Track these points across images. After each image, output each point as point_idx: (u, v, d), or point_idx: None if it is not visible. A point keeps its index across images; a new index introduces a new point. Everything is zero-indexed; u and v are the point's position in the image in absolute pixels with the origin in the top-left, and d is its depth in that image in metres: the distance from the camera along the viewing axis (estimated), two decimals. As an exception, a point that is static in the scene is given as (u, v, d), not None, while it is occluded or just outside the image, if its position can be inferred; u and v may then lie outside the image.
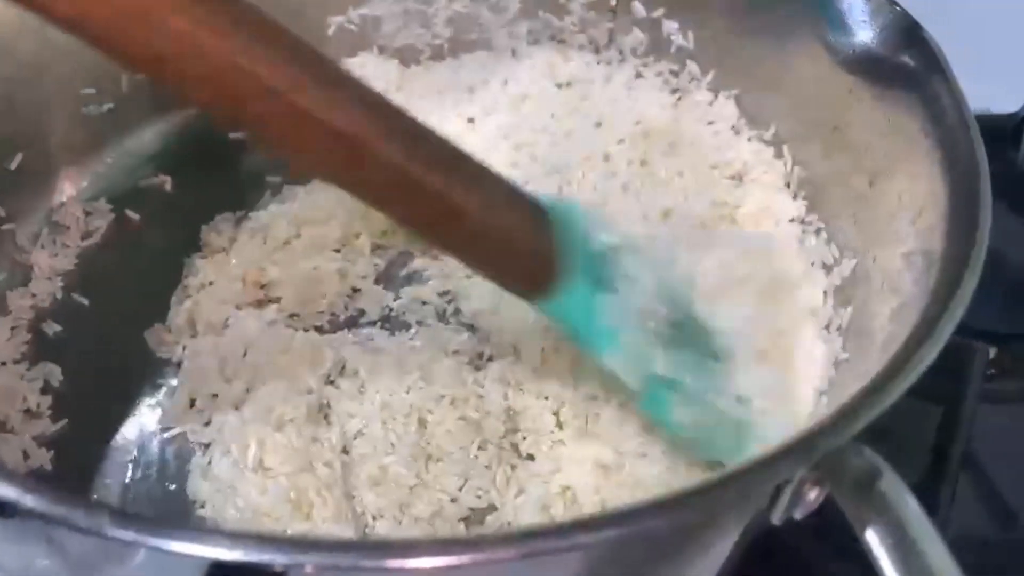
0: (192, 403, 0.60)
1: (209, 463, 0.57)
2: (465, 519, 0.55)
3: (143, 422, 0.60)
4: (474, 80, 0.76)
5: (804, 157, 0.66)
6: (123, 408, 0.60)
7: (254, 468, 0.55)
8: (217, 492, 0.55)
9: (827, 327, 0.60)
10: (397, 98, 0.47)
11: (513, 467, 0.57)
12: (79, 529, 0.35)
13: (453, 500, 0.55)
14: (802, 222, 0.64)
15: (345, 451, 0.57)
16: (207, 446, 0.58)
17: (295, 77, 0.40)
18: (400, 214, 0.47)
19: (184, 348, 0.63)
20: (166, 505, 0.56)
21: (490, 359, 0.61)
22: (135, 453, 0.59)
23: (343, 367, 0.61)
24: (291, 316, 0.65)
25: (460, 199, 0.44)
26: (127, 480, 0.57)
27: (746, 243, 0.60)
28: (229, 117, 0.42)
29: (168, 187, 0.71)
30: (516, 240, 0.47)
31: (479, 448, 0.57)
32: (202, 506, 0.56)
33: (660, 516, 0.36)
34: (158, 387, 0.62)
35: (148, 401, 0.61)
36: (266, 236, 0.67)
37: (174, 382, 0.62)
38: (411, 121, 0.44)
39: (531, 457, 0.58)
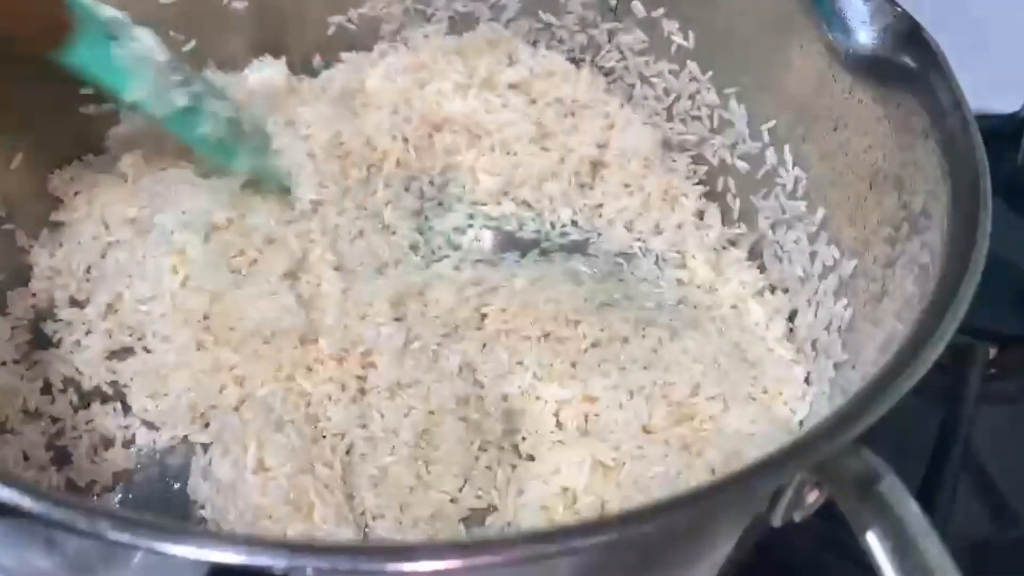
0: (192, 404, 0.60)
1: (209, 463, 0.57)
2: (465, 519, 0.55)
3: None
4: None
5: (804, 157, 0.65)
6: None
7: (254, 469, 0.55)
8: (217, 492, 0.55)
9: (827, 328, 0.60)
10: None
11: (513, 467, 0.57)
12: (79, 532, 0.35)
13: (453, 500, 0.55)
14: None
15: (345, 451, 0.57)
16: (207, 446, 0.58)
17: None
18: None
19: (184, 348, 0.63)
20: (167, 505, 0.56)
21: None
22: (136, 453, 0.59)
23: (343, 368, 0.61)
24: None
25: None
26: (127, 480, 0.57)
27: None
28: None
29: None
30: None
31: (479, 449, 0.57)
32: (202, 506, 0.56)
33: (659, 519, 0.36)
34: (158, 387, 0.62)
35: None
36: None
37: (174, 382, 0.61)
38: None
39: (531, 458, 0.58)
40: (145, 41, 0.63)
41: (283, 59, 0.74)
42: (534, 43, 0.78)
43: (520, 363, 0.60)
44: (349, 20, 0.77)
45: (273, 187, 0.68)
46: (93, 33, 0.60)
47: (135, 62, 0.62)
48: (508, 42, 0.76)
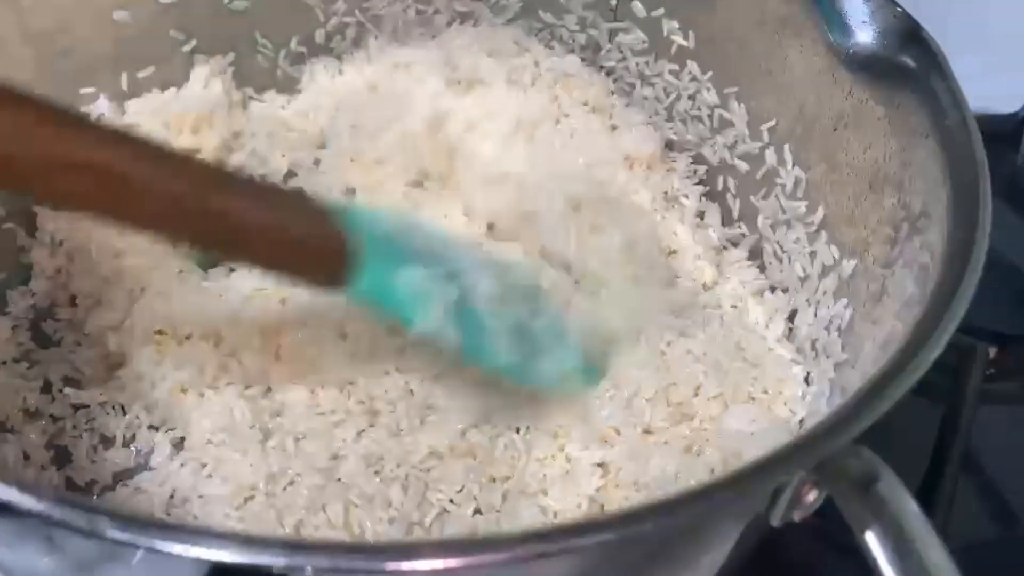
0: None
1: (206, 465, 0.57)
2: (464, 520, 0.55)
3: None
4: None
5: (804, 157, 0.66)
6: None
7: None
8: (217, 492, 0.55)
9: (827, 327, 0.60)
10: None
11: (513, 467, 0.57)
12: (79, 531, 0.35)
13: (452, 501, 0.55)
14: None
15: (344, 453, 0.57)
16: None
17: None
18: (185, 237, 0.47)
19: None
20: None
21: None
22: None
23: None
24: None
25: (238, 217, 0.46)
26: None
27: None
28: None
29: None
30: (302, 241, 0.49)
31: (479, 449, 0.57)
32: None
33: (659, 519, 0.36)
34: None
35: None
36: None
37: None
38: (171, 152, 0.46)
39: (530, 459, 0.57)
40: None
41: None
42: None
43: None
44: (350, 20, 0.77)
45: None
46: (376, 266, 0.51)
47: (422, 284, 0.52)
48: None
